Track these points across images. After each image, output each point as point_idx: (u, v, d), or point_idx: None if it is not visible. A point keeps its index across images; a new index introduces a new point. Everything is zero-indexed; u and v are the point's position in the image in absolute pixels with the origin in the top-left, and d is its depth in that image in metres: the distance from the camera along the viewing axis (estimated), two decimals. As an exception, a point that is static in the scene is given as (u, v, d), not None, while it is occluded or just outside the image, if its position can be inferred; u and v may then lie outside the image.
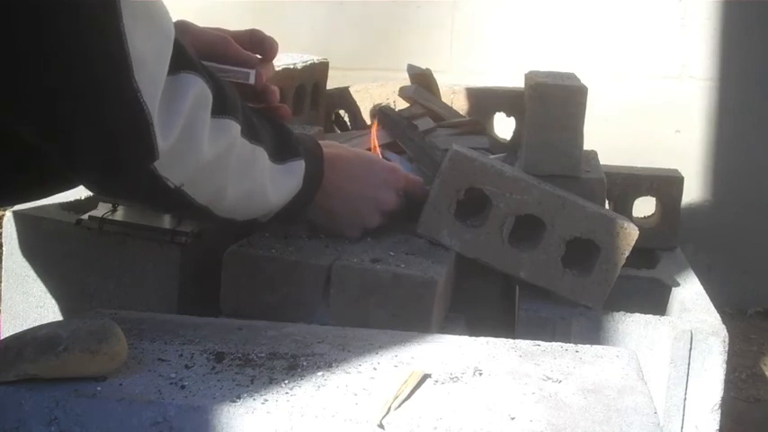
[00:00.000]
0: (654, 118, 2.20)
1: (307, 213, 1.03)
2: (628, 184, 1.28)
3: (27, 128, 0.76)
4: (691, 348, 0.98)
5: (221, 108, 0.85)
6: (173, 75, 0.78)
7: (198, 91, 0.81)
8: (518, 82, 1.28)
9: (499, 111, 1.43)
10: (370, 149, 1.24)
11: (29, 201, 1.06)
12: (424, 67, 1.44)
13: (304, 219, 1.04)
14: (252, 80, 0.97)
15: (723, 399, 0.99)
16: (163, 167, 0.80)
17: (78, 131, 0.75)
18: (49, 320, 1.08)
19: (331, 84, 1.50)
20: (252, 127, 0.91)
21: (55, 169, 0.85)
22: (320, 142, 1.04)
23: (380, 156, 1.22)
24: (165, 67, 0.77)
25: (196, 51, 0.96)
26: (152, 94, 0.75)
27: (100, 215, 1.11)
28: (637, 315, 1.01)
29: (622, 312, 1.01)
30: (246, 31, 1.01)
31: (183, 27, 0.97)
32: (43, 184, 0.92)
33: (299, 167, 0.97)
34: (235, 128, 0.87)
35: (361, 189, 1.04)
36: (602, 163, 1.25)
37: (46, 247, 1.15)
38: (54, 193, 0.99)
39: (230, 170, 0.88)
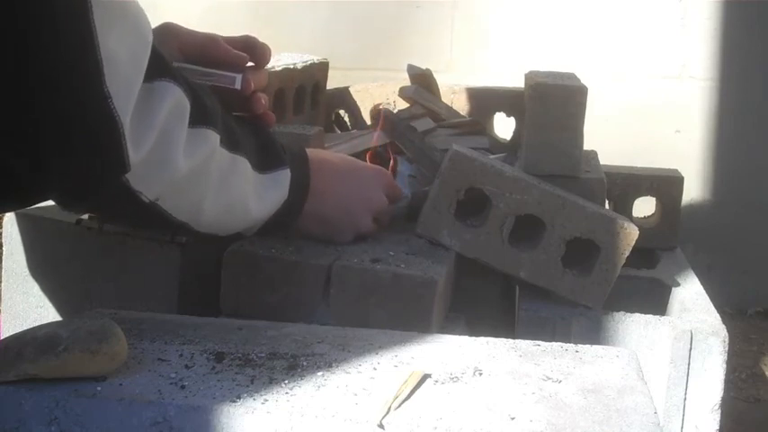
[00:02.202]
0: (654, 118, 2.20)
1: (298, 223, 1.01)
2: (628, 184, 1.28)
3: None
4: (691, 348, 0.98)
5: (199, 117, 0.82)
6: (148, 82, 0.75)
7: (174, 100, 0.78)
8: (518, 82, 1.28)
9: (499, 111, 1.43)
10: (370, 150, 1.24)
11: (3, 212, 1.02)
12: (424, 67, 1.44)
13: (294, 229, 1.02)
14: (238, 85, 0.94)
15: (723, 399, 0.99)
16: (136, 181, 0.77)
17: (44, 141, 0.70)
18: (49, 320, 1.08)
19: (331, 84, 1.50)
20: (232, 136, 0.88)
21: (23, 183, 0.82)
22: (306, 149, 1.02)
23: (368, 160, 1.22)
24: (141, 73, 0.74)
25: (184, 54, 0.93)
26: (124, 102, 0.71)
27: (100, 215, 1.11)
28: (637, 315, 1.01)
29: (622, 312, 1.01)
30: (241, 37, 0.99)
31: (168, 30, 0.94)
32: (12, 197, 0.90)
33: (284, 177, 0.95)
34: (213, 138, 0.84)
35: (349, 191, 1.02)
36: (602, 163, 1.25)
37: (46, 247, 1.15)
38: (26, 206, 0.96)
39: (209, 183, 0.85)
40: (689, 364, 0.98)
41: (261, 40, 1.00)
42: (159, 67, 0.77)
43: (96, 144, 0.72)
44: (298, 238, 1.02)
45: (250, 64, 0.98)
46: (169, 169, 0.79)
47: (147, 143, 0.75)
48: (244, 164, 0.90)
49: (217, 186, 0.86)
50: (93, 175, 0.75)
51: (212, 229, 0.91)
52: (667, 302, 1.13)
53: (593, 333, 1.00)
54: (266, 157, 0.94)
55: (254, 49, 0.98)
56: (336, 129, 1.51)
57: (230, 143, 0.87)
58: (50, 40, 0.67)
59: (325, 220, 1.02)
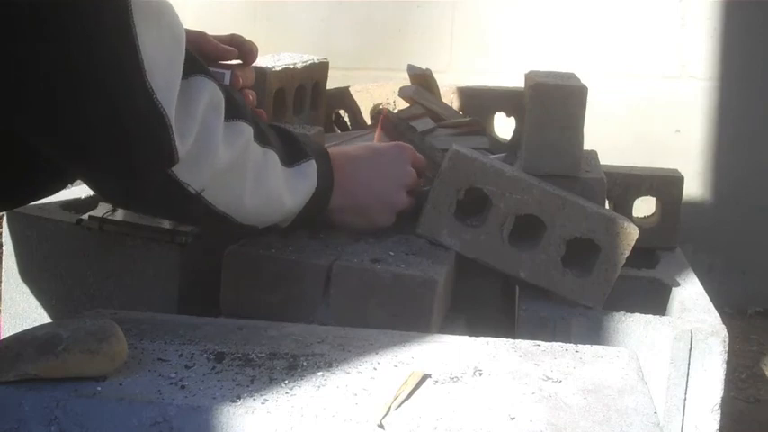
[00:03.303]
0: (654, 118, 2.20)
1: (333, 217, 1.03)
2: (628, 184, 1.28)
3: (43, 140, 0.75)
4: (691, 348, 0.98)
5: (233, 111, 0.84)
6: (185, 78, 0.78)
7: (210, 94, 0.81)
8: (518, 82, 1.28)
9: (499, 111, 1.43)
10: None
11: (22, 204, 1.04)
12: (424, 67, 1.44)
13: (332, 223, 1.03)
14: (227, 81, 0.96)
15: (723, 399, 0.99)
16: (182, 172, 0.79)
17: (95, 139, 0.74)
18: (49, 320, 1.08)
19: (331, 84, 1.50)
20: (261, 131, 0.90)
21: (48, 170, 0.85)
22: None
23: None
24: (179, 71, 0.77)
25: None
26: (168, 96, 0.74)
27: (100, 215, 1.11)
28: (637, 315, 1.01)
29: (622, 312, 1.01)
30: (226, 36, 1.01)
31: None
32: (37, 187, 0.91)
33: (310, 168, 0.96)
34: (248, 131, 0.86)
35: (375, 175, 1.04)
36: (602, 163, 1.25)
37: (46, 247, 1.15)
38: (46, 196, 0.97)
39: (247, 175, 0.87)
40: (689, 364, 0.98)
41: (261, 40, 1.01)
42: (193, 64, 0.80)
43: (147, 138, 0.75)
44: (299, 237, 1.02)
45: (237, 61, 0.99)
46: (212, 160, 0.82)
47: (191, 135, 0.78)
48: (273, 158, 0.92)
49: (254, 179, 0.88)
50: (145, 169, 0.78)
51: (252, 220, 0.93)
52: (667, 302, 1.13)
53: (593, 333, 1.00)
54: (291, 151, 0.95)
55: (241, 47, 1.00)
56: (336, 129, 1.51)
57: (260, 137, 0.89)
58: (95, 43, 0.70)
59: (360, 209, 1.03)
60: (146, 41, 0.72)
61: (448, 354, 0.78)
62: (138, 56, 0.72)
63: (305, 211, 0.98)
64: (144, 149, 0.76)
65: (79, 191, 1.33)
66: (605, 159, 1.29)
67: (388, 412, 0.66)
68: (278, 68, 1.30)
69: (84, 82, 0.71)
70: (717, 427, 1.00)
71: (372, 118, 1.45)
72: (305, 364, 0.74)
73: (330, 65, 1.49)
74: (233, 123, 0.84)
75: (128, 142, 0.75)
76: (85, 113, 0.72)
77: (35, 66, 0.69)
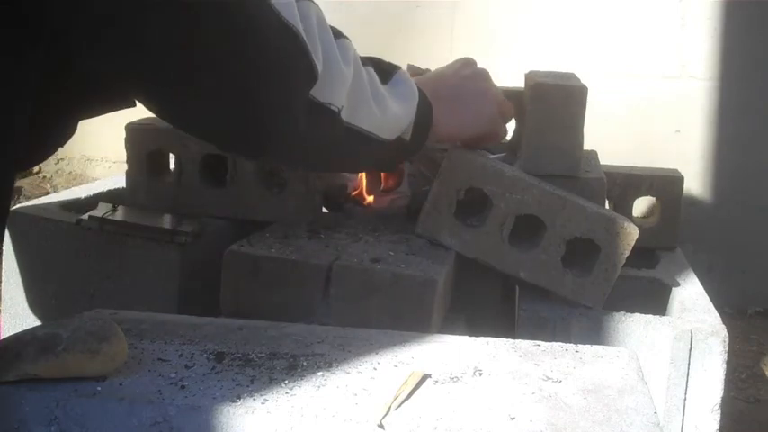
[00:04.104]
0: (654, 118, 2.20)
1: (441, 131, 1.02)
2: (628, 184, 1.28)
3: (186, 91, 0.72)
4: (691, 348, 0.98)
5: (333, 30, 0.84)
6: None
7: (316, 11, 0.80)
8: (518, 82, 1.28)
9: (499, 111, 1.43)
10: None
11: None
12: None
13: (443, 138, 1.04)
14: None
15: (723, 399, 0.99)
16: (321, 93, 0.77)
17: (243, 77, 0.71)
18: (49, 320, 1.08)
19: (331, 84, 1.49)
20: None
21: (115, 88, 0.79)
22: None
23: None
24: None
25: None
26: (293, 16, 0.73)
27: (100, 215, 1.11)
28: (637, 315, 1.01)
29: (622, 312, 1.01)
30: None
31: None
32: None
33: (405, 78, 0.96)
34: (352, 47, 0.86)
35: (463, 80, 1.05)
36: (602, 163, 1.25)
37: (46, 247, 1.15)
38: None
39: (367, 91, 0.86)
40: (689, 364, 0.98)
41: None
42: None
43: (289, 59, 0.73)
44: (299, 237, 1.02)
45: None
46: (340, 76, 0.80)
47: (319, 52, 0.76)
48: (374, 74, 0.91)
49: (372, 94, 0.88)
50: (293, 92, 0.75)
51: (387, 134, 0.91)
52: (667, 302, 1.13)
53: (594, 333, 1.00)
54: (379, 68, 0.95)
55: None
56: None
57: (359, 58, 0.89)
58: None
59: (463, 110, 1.04)
60: None
61: (448, 354, 0.77)
62: None
63: (418, 119, 0.97)
64: (288, 71, 0.73)
65: (79, 191, 1.33)
66: (605, 159, 1.29)
67: (388, 412, 0.66)
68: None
69: (210, 24, 0.68)
70: (717, 427, 1.00)
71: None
72: (305, 364, 0.74)
73: (330, 65, 1.48)
74: (339, 41, 0.83)
75: (268, 67, 0.72)
76: (219, 58, 0.69)
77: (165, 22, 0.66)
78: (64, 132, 0.81)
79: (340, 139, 0.85)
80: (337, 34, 0.84)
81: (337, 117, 0.81)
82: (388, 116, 0.91)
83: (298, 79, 0.75)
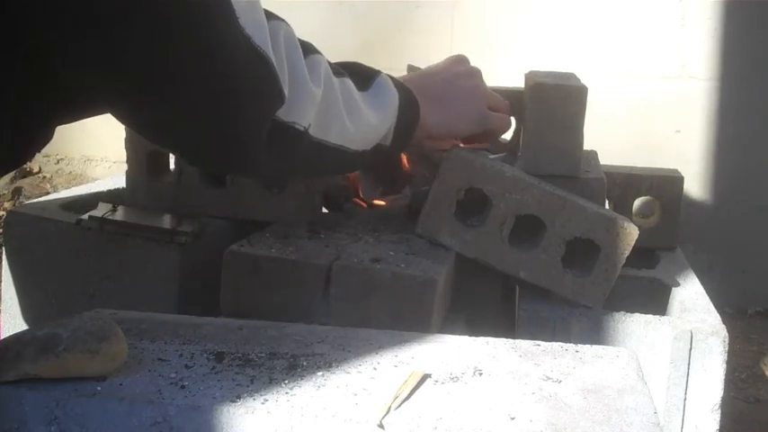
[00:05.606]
0: (654, 118, 2.20)
1: (430, 129, 1.03)
2: (628, 184, 1.28)
3: (144, 111, 0.72)
4: (691, 348, 0.98)
5: (304, 47, 0.84)
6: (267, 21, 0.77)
7: (284, 31, 0.80)
8: (518, 82, 1.28)
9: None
10: None
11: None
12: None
13: (432, 135, 1.05)
14: None
15: (723, 399, 0.99)
16: (287, 113, 0.78)
17: (203, 98, 0.71)
18: (49, 320, 1.08)
19: (331, 84, 1.49)
20: (329, 63, 0.90)
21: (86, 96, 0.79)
22: None
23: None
24: (262, 12, 0.76)
25: None
26: (264, 41, 0.73)
27: (100, 215, 1.11)
28: (637, 315, 1.01)
29: (622, 312, 1.01)
30: None
31: None
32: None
33: (385, 82, 0.97)
34: (324, 61, 0.86)
35: (454, 77, 1.06)
36: (602, 163, 1.25)
37: (46, 247, 1.15)
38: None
39: (339, 103, 0.87)
40: (689, 364, 0.98)
41: None
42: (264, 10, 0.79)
43: (256, 84, 0.73)
44: (299, 237, 1.02)
45: None
46: (309, 96, 0.81)
47: (286, 73, 0.77)
48: (350, 85, 0.92)
49: (345, 106, 0.88)
50: (258, 116, 0.75)
51: (360, 144, 0.93)
52: (667, 302, 1.13)
53: (594, 333, 1.00)
54: (359, 76, 0.95)
55: None
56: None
57: (332, 68, 0.90)
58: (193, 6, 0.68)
59: (447, 104, 1.04)
60: None
61: (448, 354, 0.77)
62: (230, 5, 0.70)
63: (400, 120, 0.97)
64: (254, 96, 0.74)
65: (79, 191, 1.33)
66: (605, 159, 1.29)
67: (388, 412, 0.66)
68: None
69: (181, 40, 0.68)
70: (717, 427, 1.00)
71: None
72: (305, 364, 0.74)
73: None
74: (309, 57, 0.84)
75: (237, 92, 0.73)
76: (189, 73, 0.69)
77: (131, 32, 0.66)
78: (42, 137, 0.81)
79: (307, 154, 0.86)
80: (308, 50, 0.85)
81: (303, 134, 0.82)
82: (362, 128, 0.92)
83: (265, 102, 0.76)
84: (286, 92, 0.76)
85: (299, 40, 0.84)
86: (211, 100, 0.72)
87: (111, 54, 0.67)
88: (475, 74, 1.11)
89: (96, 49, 0.66)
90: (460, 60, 1.12)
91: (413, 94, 1.01)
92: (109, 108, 0.74)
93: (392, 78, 1.00)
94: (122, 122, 0.77)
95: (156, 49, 0.67)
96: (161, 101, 0.71)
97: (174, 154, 0.83)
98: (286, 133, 0.80)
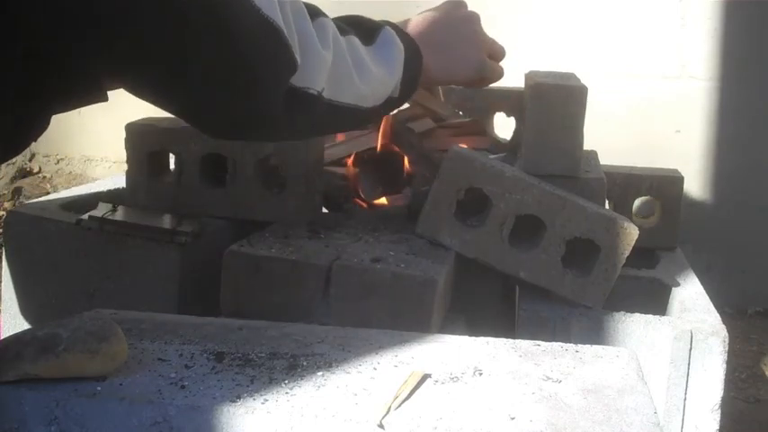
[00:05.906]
0: (654, 118, 2.20)
1: (431, 76, 1.04)
2: (628, 184, 1.28)
3: (158, 71, 0.73)
4: (691, 348, 0.98)
5: (311, 11, 0.85)
6: None
7: (291, 1, 0.80)
8: (518, 82, 1.28)
9: (499, 111, 1.43)
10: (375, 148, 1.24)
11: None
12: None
13: (435, 81, 1.07)
14: None
15: (723, 399, 0.99)
16: (300, 79, 0.79)
17: (219, 71, 0.72)
18: (49, 320, 1.08)
19: (331, 84, 1.49)
20: (335, 22, 0.91)
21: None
22: None
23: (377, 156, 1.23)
24: None
25: None
26: (273, 10, 0.74)
27: (100, 215, 1.11)
28: (637, 315, 1.01)
29: (622, 312, 1.01)
30: None
31: None
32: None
33: (390, 36, 0.97)
34: (330, 24, 0.87)
35: (455, 22, 1.07)
36: (602, 163, 1.25)
37: (46, 247, 1.15)
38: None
39: (349, 63, 0.88)
40: (689, 364, 0.98)
41: None
42: None
43: (269, 54, 0.75)
44: (299, 237, 1.02)
45: None
46: (320, 60, 0.82)
47: (296, 40, 0.78)
48: (356, 42, 0.92)
49: (354, 65, 0.89)
50: (273, 85, 0.77)
51: (371, 101, 0.93)
52: (667, 302, 1.13)
53: (594, 333, 1.00)
54: (364, 30, 0.96)
55: None
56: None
57: (339, 28, 0.90)
58: None
59: (449, 48, 1.06)
60: None
61: (448, 354, 0.77)
62: None
63: (407, 71, 0.98)
64: (268, 66, 0.75)
65: (79, 191, 1.33)
66: (605, 159, 1.29)
67: (388, 412, 0.66)
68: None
69: (197, 16, 0.69)
70: (717, 427, 1.00)
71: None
72: (305, 364, 0.74)
73: (330, 65, 1.48)
74: (317, 21, 0.85)
75: (252, 64, 0.74)
76: (205, 50, 0.70)
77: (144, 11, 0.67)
78: (38, 127, 0.82)
79: (322, 116, 0.88)
80: (314, 13, 0.86)
81: (318, 98, 0.84)
82: (372, 86, 0.93)
83: (280, 71, 0.77)
84: (298, 59, 0.77)
85: (304, 3, 0.85)
86: (228, 74, 0.74)
87: (125, 33, 0.68)
88: (473, 18, 1.12)
89: (110, 35, 0.68)
90: (459, 4, 1.12)
91: (416, 44, 1.02)
92: (125, 86, 0.76)
93: (396, 29, 1.01)
94: (141, 98, 0.78)
95: (171, 28, 0.69)
96: (181, 79, 0.73)
97: (194, 127, 0.84)
98: (301, 98, 0.81)
